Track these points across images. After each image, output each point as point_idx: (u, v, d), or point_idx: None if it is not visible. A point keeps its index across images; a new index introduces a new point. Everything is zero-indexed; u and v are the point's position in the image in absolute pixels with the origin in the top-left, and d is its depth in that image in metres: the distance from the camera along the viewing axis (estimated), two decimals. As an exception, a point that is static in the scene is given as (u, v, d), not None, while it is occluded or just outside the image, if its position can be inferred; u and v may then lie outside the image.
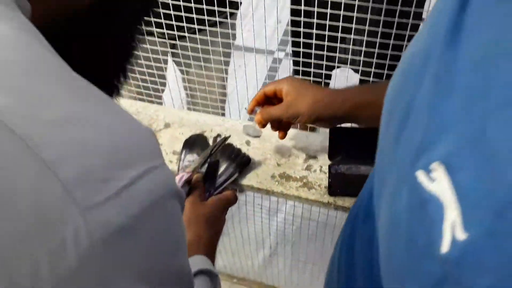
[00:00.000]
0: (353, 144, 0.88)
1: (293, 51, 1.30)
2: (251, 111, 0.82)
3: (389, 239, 0.32)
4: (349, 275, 0.47)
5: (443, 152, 0.25)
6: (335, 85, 1.42)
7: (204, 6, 0.93)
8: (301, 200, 0.88)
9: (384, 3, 0.83)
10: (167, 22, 0.96)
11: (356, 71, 1.10)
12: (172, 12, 0.94)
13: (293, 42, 1.16)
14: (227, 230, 1.68)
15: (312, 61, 0.96)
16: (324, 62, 0.95)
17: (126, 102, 1.02)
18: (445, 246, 0.24)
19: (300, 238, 1.64)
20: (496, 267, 0.21)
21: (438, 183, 0.25)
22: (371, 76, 0.94)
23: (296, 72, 1.18)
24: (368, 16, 0.83)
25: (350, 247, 0.48)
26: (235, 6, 1.22)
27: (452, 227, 0.23)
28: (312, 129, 1.13)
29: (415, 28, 0.87)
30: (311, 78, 1.01)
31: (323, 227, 1.36)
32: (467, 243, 0.22)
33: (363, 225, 0.45)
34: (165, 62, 1.21)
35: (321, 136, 0.95)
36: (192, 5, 0.92)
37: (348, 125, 0.89)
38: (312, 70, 0.98)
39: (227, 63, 1.35)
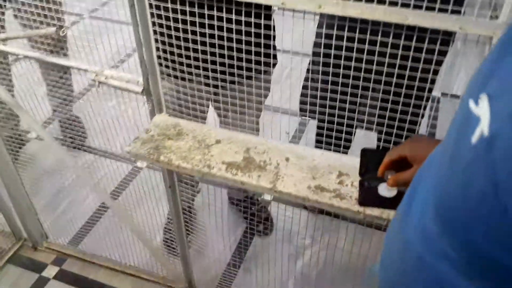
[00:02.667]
0: (379, 163, 1.00)
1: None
2: (382, 174, 0.91)
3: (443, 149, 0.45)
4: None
5: (490, 89, 0.39)
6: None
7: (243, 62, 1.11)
8: (333, 207, 0.98)
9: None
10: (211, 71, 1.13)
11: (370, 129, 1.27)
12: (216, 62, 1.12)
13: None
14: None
15: (335, 126, 1.11)
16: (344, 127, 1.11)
17: (187, 122, 1.17)
18: (475, 137, 0.38)
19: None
20: (505, 151, 0.35)
21: (480, 106, 0.39)
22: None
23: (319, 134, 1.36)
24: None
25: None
26: (269, 65, 1.40)
27: (482, 129, 0.38)
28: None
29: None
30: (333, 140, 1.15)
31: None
32: (489, 137, 0.36)
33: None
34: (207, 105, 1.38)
35: (353, 158, 1.07)
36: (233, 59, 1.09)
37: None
38: (334, 134, 1.13)
39: (259, 110, 1.53)
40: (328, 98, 1.09)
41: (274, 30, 1.42)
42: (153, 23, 1.04)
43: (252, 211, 1.91)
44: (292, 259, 1.80)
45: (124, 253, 1.75)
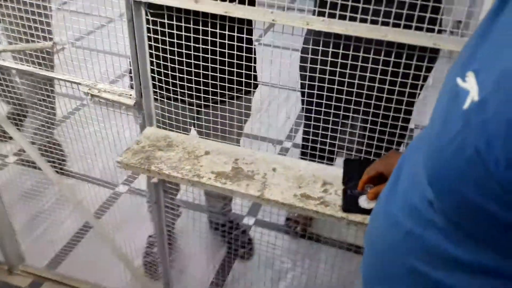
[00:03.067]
0: (362, 172, 1.06)
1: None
2: (362, 189, 0.97)
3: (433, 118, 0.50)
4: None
5: (475, 66, 0.46)
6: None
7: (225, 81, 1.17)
8: (318, 214, 1.02)
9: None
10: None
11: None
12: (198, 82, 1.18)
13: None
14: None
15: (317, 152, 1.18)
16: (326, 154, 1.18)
17: (177, 135, 1.21)
18: (466, 104, 0.44)
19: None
20: (495, 110, 0.41)
21: (468, 82, 0.45)
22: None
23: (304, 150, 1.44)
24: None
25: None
26: (254, 86, 1.46)
27: (472, 97, 0.44)
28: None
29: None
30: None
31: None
32: (479, 100, 0.43)
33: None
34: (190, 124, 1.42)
35: (336, 169, 1.13)
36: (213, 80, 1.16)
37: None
38: (316, 160, 1.19)
39: (240, 135, 1.58)
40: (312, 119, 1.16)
41: (255, 53, 1.49)
42: (149, 38, 1.09)
43: (233, 235, 1.92)
44: (273, 283, 1.81)
45: (103, 276, 1.73)
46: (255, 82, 1.46)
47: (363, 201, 1.02)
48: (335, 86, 1.08)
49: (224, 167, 1.11)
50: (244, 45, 1.11)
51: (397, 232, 0.56)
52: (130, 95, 1.17)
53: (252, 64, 1.35)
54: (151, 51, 1.11)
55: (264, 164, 1.13)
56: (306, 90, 1.33)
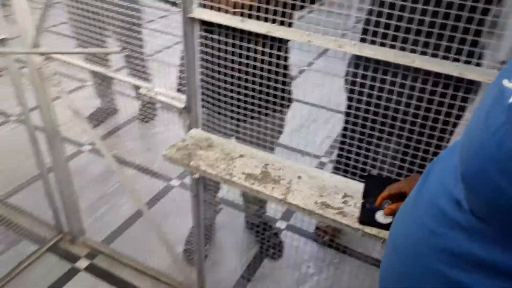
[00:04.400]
0: (382, 189, 1.01)
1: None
2: (379, 205, 0.92)
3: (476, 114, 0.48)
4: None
5: None
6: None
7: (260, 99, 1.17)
8: (336, 222, 0.99)
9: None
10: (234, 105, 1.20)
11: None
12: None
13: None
14: None
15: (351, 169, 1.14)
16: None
17: (217, 137, 1.22)
18: (511, 99, 0.41)
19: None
20: None
21: None
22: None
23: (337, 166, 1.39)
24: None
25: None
26: (287, 104, 1.45)
27: None
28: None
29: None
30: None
31: None
32: None
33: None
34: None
35: (358, 183, 1.08)
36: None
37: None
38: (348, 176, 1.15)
39: (272, 149, 1.57)
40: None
41: (289, 71, 1.48)
42: (200, 51, 1.12)
43: (265, 236, 1.90)
44: (297, 284, 1.76)
45: (148, 256, 1.77)
46: (289, 100, 1.45)
47: (380, 216, 0.97)
48: (371, 108, 1.04)
49: (254, 170, 1.10)
50: (282, 63, 1.11)
51: (421, 232, 0.52)
52: (181, 99, 1.20)
53: (286, 88, 1.33)
54: (201, 63, 1.14)
55: (291, 172, 1.11)
56: (347, 110, 1.29)
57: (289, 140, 2.49)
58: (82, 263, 1.76)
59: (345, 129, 1.47)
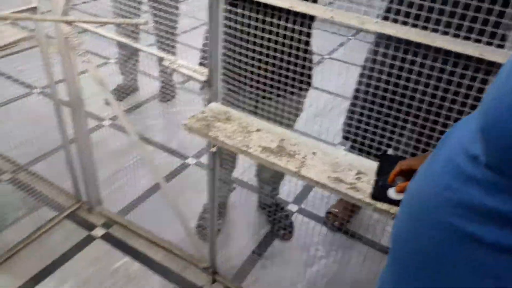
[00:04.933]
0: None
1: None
2: (391, 181, 0.91)
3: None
4: None
5: None
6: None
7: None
8: (347, 196, 1.00)
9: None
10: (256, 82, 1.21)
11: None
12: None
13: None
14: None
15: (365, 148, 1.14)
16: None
17: (236, 112, 1.24)
18: None
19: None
20: None
21: None
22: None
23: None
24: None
25: None
26: (307, 86, 1.45)
27: None
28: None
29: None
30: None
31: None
32: None
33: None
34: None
35: (372, 162, 1.09)
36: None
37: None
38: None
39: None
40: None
41: (311, 59, 1.48)
42: (224, 25, 1.13)
43: (277, 217, 1.92)
44: (305, 265, 1.78)
45: (162, 229, 1.80)
46: (308, 83, 1.46)
47: (392, 193, 0.98)
48: (390, 87, 1.04)
49: (270, 144, 1.12)
50: (302, 47, 1.11)
51: (436, 187, 0.53)
52: (203, 72, 1.22)
53: (307, 64, 1.34)
54: (225, 37, 1.15)
55: (306, 148, 1.12)
56: (363, 88, 1.29)
57: (306, 127, 2.49)
58: (98, 232, 1.81)
59: (353, 105, 1.45)
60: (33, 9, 1.35)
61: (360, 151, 1.17)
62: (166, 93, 2.58)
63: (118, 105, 1.49)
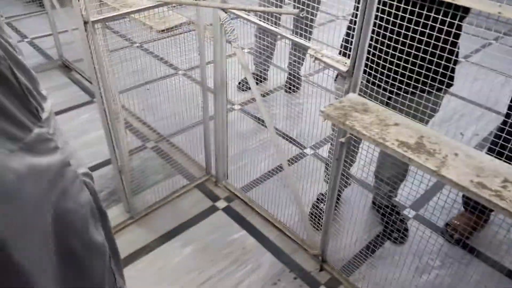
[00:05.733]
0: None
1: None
2: None
3: None
4: None
5: None
6: None
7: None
8: (491, 204, 0.92)
9: None
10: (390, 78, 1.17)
11: None
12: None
13: None
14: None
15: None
16: None
17: (374, 104, 1.23)
18: None
19: None
20: None
21: None
22: None
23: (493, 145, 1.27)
24: None
25: None
26: (447, 86, 1.35)
27: None
28: None
29: None
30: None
31: None
32: None
33: None
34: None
35: (521, 171, 0.99)
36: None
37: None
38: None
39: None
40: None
41: (457, 55, 1.38)
42: (375, 17, 1.12)
43: (391, 219, 1.86)
44: (417, 272, 1.70)
45: (279, 210, 1.87)
46: (449, 82, 1.36)
47: None
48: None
49: (409, 139, 1.08)
50: (448, 47, 1.05)
51: None
52: (345, 63, 1.22)
53: (451, 65, 1.25)
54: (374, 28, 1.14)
55: (448, 148, 1.06)
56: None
57: (435, 129, 2.34)
58: (221, 204, 1.95)
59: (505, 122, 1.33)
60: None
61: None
62: (292, 85, 2.64)
63: (258, 91, 1.58)
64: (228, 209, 1.93)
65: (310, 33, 2.15)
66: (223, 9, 1.45)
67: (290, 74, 2.66)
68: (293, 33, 2.31)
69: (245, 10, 1.29)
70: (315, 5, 1.56)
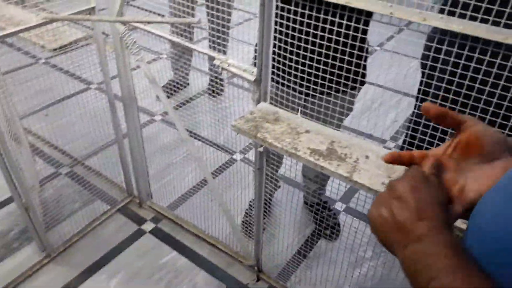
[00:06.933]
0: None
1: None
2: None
3: None
4: None
5: None
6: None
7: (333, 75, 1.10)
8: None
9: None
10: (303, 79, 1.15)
11: None
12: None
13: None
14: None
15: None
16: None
17: (284, 112, 1.20)
18: None
19: None
20: None
21: None
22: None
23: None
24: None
25: None
26: (360, 83, 1.37)
27: None
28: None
29: None
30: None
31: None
32: None
33: None
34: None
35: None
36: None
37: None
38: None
39: (339, 127, 1.50)
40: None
41: (367, 52, 1.39)
42: (275, 23, 1.08)
43: (323, 216, 1.86)
44: (351, 267, 1.72)
45: (209, 224, 1.80)
46: (362, 79, 1.37)
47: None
48: (453, 88, 0.95)
49: (320, 146, 1.06)
50: (359, 40, 1.04)
51: None
52: (253, 72, 1.18)
53: (362, 62, 1.26)
54: (276, 34, 1.10)
55: (359, 150, 1.05)
56: (422, 88, 1.19)
57: (355, 122, 2.40)
58: (148, 226, 1.84)
59: (417, 110, 1.36)
60: (92, 9, 1.37)
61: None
62: (215, 88, 2.57)
63: (168, 102, 1.49)
64: (155, 230, 1.82)
65: (228, 34, 2.09)
66: (121, 23, 1.34)
67: (211, 77, 2.59)
68: (209, 35, 2.24)
69: (141, 22, 1.20)
70: (230, 3, 1.49)
